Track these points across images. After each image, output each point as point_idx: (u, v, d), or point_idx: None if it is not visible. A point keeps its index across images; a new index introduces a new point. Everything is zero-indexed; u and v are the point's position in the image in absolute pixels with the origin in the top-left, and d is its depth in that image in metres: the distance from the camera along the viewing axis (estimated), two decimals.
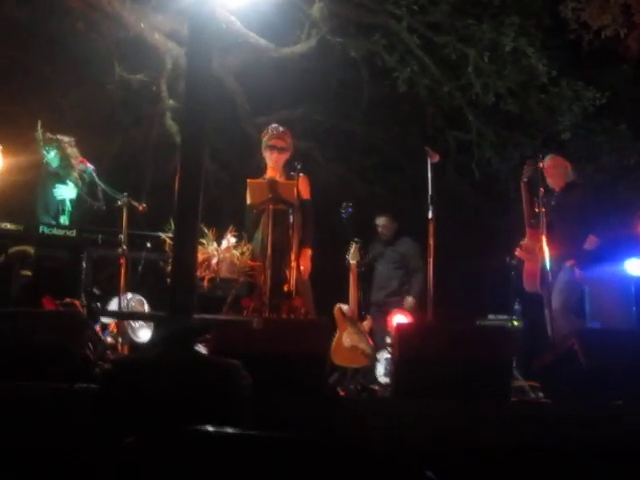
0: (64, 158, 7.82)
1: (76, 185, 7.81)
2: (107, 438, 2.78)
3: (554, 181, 7.54)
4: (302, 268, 7.06)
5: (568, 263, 7.21)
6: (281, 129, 7.38)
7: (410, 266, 9.44)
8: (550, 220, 7.21)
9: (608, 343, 5.36)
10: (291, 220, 6.97)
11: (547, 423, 4.79)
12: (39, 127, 7.76)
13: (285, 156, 7.31)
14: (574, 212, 7.28)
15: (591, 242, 7.28)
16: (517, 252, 7.52)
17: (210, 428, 1.81)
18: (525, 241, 7.37)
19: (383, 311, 8.96)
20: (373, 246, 9.66)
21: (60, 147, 7.81)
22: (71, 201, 7.79)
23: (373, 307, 9.14)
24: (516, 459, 4.56)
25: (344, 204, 7.77)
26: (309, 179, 7.37)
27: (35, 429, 4.54)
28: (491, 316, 9.56)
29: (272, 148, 7.26)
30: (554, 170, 7.53)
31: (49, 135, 7.81)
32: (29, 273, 7.39)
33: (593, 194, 7.86)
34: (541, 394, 5.81)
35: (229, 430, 1.81)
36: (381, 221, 9.77)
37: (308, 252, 7.17)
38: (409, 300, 9.20)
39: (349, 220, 7.81)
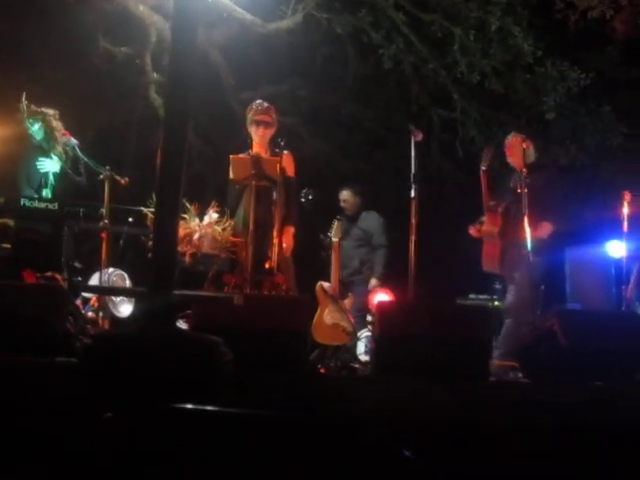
0: (48, 131, 7.77)
1: (60, 159, 7.76)
2: (87, 412, 2.78)
3: (514, 160, 7.44)
4: (285, 245, 7.06)
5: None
6: (266, 104, 7.37)
7: (373, 242, 9.29)
8: (510, 203, 7.22)
9: (588, 324, 5.39)
10: (274, 197, 6.96)
11: (526, 403, 4.82)
12: (23, 99, 7.70)
13: (271, 131, 7.29)
14: (535, 195, 7.08)
15: (545, 228, 7.13)
16: (471, 230, 7.46)
17: (189, 405, 1.81)
18: (484, 225, 7.32)
19: (346, 291, 8.82)
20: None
21: (45, 120, 7.75)
22: (54, 175, 7.73)
23: None
24: (494, 438, 4.59)
25: (304, 191, 7.69)
26: (294, 156, 7.36)
27: (15, 402, 4.53)
28: (472, 295, 9.61)
29: (258, 123, 7.25)
30: (513, 149, 7.45)
31: (34, 107, 7.74)
32: (8, 246, 7.35)
33: (558, 176, 7.82)
34: (520, 374, 5.83)
35: (208, 407, 1.81)
36: (343, 195, 9.48)
37: (291, 230, 7.17)
38: (372, 282, 9.06)
39: (310, 205, 7.73)
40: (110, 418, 1.77)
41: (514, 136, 7.55)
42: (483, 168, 7.29)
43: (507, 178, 7.52)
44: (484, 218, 7.31)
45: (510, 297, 7.26)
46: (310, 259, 8.48)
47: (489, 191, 7.26)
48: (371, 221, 9.34)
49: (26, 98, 7.73)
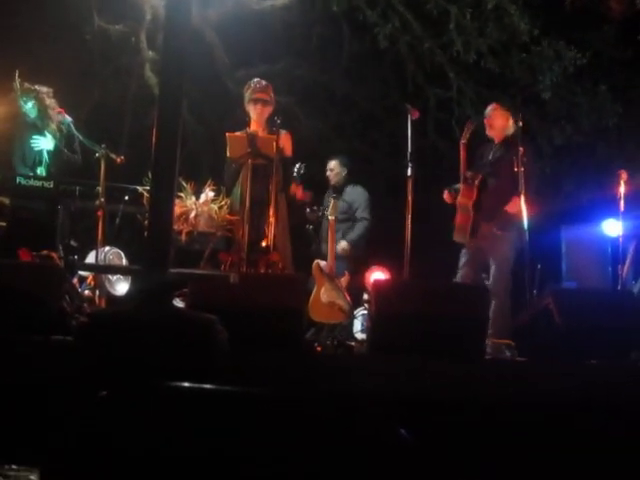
0: (42, 109, 7.71)
1: (54, 137, 7.72)
2: (82, 390, 2.78)
3: (493, 132, 7.37)
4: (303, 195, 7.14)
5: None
6: (264, 82, 7.36)
7: (356, 215, 9.02)
8: (485, 175, 7.19)
9: (583, 303, 5.40)
10: (270, 175, 6.96)
11: (521, 381, 4.83)
12: (17, 77, 7.65)
13: (269, 109, 7.28)
14: (508, 169, 7.06)
15: (514, 205, 6.98)
16: (445, 196, 7.39)
17: (185, 384, 1.81)
18: (459, 197, 7.23)
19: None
20: (326, 195, 9.02)
21: (38, 98, 7.69)
22: (49, 153, 7.69)
23: None
24: (489, 416, 4.60)
25: (297, 165, 7.64)
26: (291, 135, 7.35)
27: (10, 380, 4.53)
28: None
29: (256, 101, 7.23)
30: (492, 121, 7.41)
31: (27, 85, 7.69)
32: (4, 224, 7.33)
33: (533, 152, 7.75)
34: (516, 352, 5.85)
35: (204, 386, 1.81)
36: (330, 165, 9.28)
37: (296, 186, 7.23)
38: (342, 244, 8.63)
39: (302, 179, 7.69)
40: (105, 396, 1.77)
41: (494, 108, 7.48)
42: (463, 141, 7.24)
43: (485, 151, 7.45)
44: (459, 186, 7.23)
45: (491, 278, 7.22)
46: (307, 238, 8.49)
47: (467, 164, 7.22)
48: (356, 195, 9.08)
49: (19, 76, 7.68)
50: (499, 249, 7.06)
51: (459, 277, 7.22)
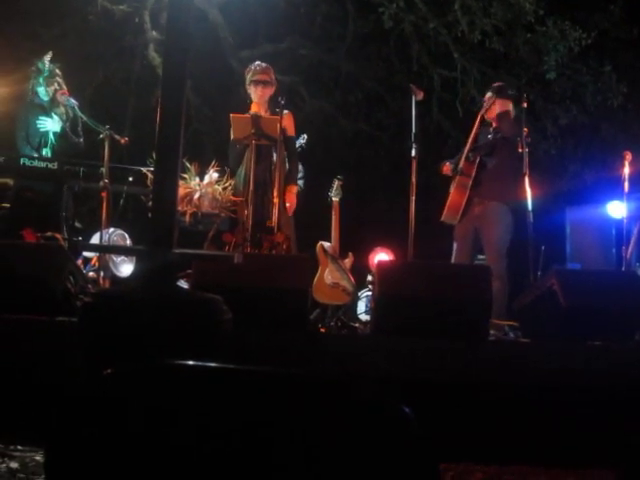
0: (54, 92, 7.67)
1: (61, 119, 7.68)
2: (87, 370, 2.79)
3: (492, 115, 7.33)
4: (287, 205, 7.07)
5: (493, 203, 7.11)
6: (264, 65, 7.37)
7: None
8: (484, 156, 7.17)
9: (587, 284, 5.39)
10: (274, 156, 6.97)
11: (525, 362, 4.83)
12: (48, 58, 7.58)
13: (269, 91, 7.28)
14: (507, 150, 7.07)
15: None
16: (445, 168, 7.37)
17: (190, 362, 1.81)
18: (458, 176, 7.21)
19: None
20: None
21: (57, 82, 7.64)
22: (55, 134, 7.67)
23: None
24: (493, 397, 4.61)
25: (301, 137, 7.60)
26: (294, 115, 7.36)
27: (16, 361, 4.55)
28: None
29: (256, 83, 7.24)
30: (494, 105, 7.36)
31: (57, 71, 7.62)
32: (8, 205, 7.34)
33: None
34: (520, 333, 5.85)
35: (209, 364, 1.81)
36: None
37: (293, 189, 7.19)
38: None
39: (302, 150, 7.65)
40: (110, 374, 1.77)
41: (491, 99, 7.37)
42: (482, 112, 7.23)
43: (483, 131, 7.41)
44: (462, 161, 7.20)
45: (487, 258, 7.21)
46: (312, 219, 8.48)
47: (475, 139, 7.20)
48: None
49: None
50: (494, 229, 7.04)
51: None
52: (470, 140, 7.19)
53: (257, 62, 7.47)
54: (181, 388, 1.67)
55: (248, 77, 7.33)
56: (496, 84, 7.60)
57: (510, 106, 7.25)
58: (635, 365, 4.78)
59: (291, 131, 7.26)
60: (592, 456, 4.38)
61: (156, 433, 1.68)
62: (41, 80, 7.59)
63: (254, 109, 7.13)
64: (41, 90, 7.61)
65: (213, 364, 1.75)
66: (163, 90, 3.15)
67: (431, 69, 11.94)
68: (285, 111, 7.06)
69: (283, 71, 7.65)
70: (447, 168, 7.31)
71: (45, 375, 4.40)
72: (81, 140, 7.69)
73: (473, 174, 7.09)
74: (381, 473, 1.66)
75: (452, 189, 7.21)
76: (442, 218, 7.19)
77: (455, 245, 7.22)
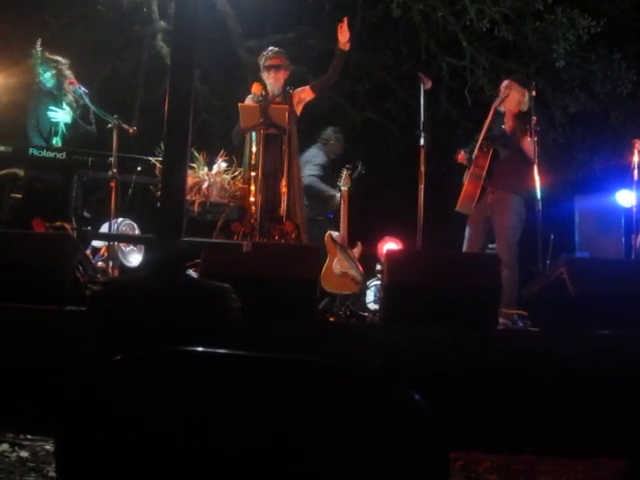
0: (60, 80, 7.66)
1: (72, 108, 7.66)
2: (96, 359, 2.79)
3: (507, 105, 7.30)
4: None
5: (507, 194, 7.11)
6: (276, 49, 7.40)
7: None
8: (496, 147, 7.16)
9: (596, 272, 5.38)
10: (283, 145, 6.96)
11: (534, 351, 4.83)
12: (38, 45, 7.59)
13: (284, 74, 7.28)
14: (519, 140, 7.05)
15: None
16: (460, 156, 7.34)
17: (199, 349, 1.82)
18: (473, 166, 7.19)
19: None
20: None
21: (57, 68, 7.63)
22: (65, 124, 7.65)
23: None
24: (502, 386, 4.62)
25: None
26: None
27: (26, 350, 4.56)
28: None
29: (269, 68, 7.24)
30: (508, 98, 7.30)
31: (48, 55, 7.62)
32: (18, 196, 7.35)
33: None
34: (529, 322, 5.84)
35: (218, 350, 1.82)
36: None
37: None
38: None
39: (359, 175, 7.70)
40: (119, 361, 1.78)
41: (510, 82, 7.36)
42: (496, 105, 7.21)
43: (498, 123, 7.39)
44: (475, 152, 7.17)
45: (498, 247, 7.20)
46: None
47: (489, 128, 7.19)
48: None
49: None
50: (505, 218, 7.03)
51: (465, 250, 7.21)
52: (484, 130, 7.17)
53: (270, 47, 7.47)
54: (189, 374, 1.68)
55: (261, 64, 7.32)
56: (512, 76, 7.59)
57: (526, 96, 7.21)
58: None
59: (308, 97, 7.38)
60: (601, 445, 4.38)
61: (165, 419, 1.69)
62: (40, 67, 7.59)
63: (255, 90, 7.08)
64: (45, 77, 7.60)
65: (223, 350, 1.75)
66: (171, 80, 3.15)
67: (440, 58, 11.89)
68: (296, 89, 7.14)
69: (291, 61, 7.60)
70: (462, 157, 7.29)
71: (54, 364, 4.41)
72: (93, 127, 7.67)
73: (486, 166, 7.08)
74: (391, 459, 1.66)
75: (466, 179, 7.19)
76: (457, 207, 7.18)
77: (467, 230, 7.21)
